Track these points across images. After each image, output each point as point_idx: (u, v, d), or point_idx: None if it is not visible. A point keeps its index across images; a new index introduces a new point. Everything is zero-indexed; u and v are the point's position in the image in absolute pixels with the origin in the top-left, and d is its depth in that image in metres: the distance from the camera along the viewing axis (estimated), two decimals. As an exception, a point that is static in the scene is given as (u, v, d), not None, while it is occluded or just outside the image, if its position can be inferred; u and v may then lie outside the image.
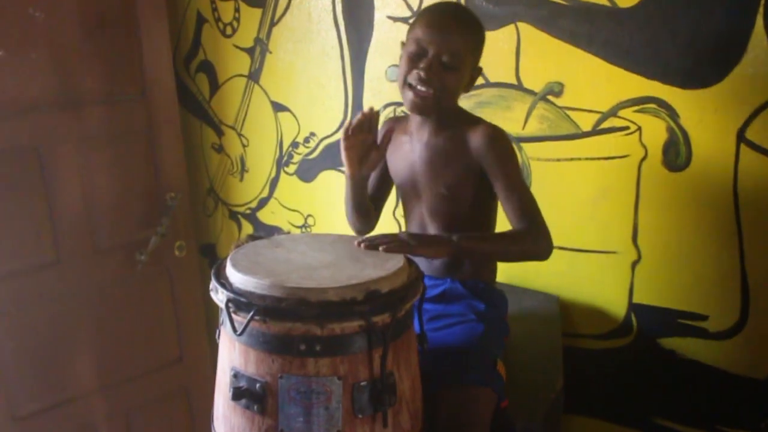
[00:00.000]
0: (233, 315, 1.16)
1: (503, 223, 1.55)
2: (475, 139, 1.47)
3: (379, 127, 1.58)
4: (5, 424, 2.29)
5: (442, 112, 1.51)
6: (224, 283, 1.21)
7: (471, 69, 1.50)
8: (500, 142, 1.48)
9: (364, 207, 1.66)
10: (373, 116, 1.49)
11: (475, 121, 1.53)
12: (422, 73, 1.43)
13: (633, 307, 1.82)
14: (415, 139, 1.58)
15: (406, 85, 1.47)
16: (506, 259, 1.60)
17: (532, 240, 1.45)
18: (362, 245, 1.33)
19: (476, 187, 1.52)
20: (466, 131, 1.50)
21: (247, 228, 2.71)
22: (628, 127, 1.72)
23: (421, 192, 1.59)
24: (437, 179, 1.54)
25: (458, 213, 1.56)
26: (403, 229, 2.11)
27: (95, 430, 2.53)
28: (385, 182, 1.74)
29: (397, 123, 1.66)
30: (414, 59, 1.45)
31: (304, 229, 2.51)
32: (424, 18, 1.48)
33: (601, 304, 1.87)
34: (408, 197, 1.65)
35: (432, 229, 1.60)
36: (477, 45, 1.51)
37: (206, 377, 2.82)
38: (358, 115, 1.49)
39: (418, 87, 1.44)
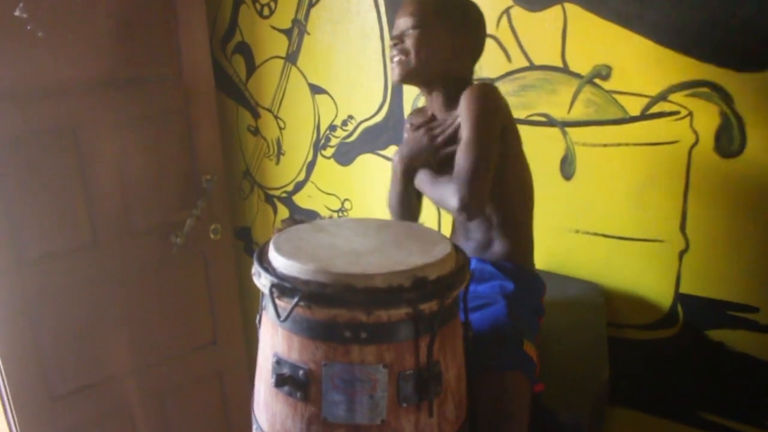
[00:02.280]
0: (277, 300, 1.14)
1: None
2: (461, 100, 1.49)
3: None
4: (43, 403, 2.31)
5: (440, 83, 1.57)
6: (267, 268, 1.18)
7: (447, 34, 1.53)
8: (476, 97, 1.47)
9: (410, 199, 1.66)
10: None
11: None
12: (391, 43, 1.55)
13: (679, 298, 1.77)
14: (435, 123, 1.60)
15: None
16: (431, 197, 1.55)
17: (451, 193, 1.41)
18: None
19: None
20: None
21: (283, 212, 2.69)
22: (678, 112, 1.66)
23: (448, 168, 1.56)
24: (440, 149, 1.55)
25: None
26: (442, 215, 2.09)
27: (130, 411, 2.55)
28: None
29: (417, 113, 1.74)
30: (391, 41, 1.57)
31: (341, 213, 2.48)
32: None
33: (646, 294, 1.82)
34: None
35: None
36: (444, 10, 1.54)
37: (240, 360, 2.84)
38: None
39: (391, 57, 1.56)
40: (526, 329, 1.49)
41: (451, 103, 1.57)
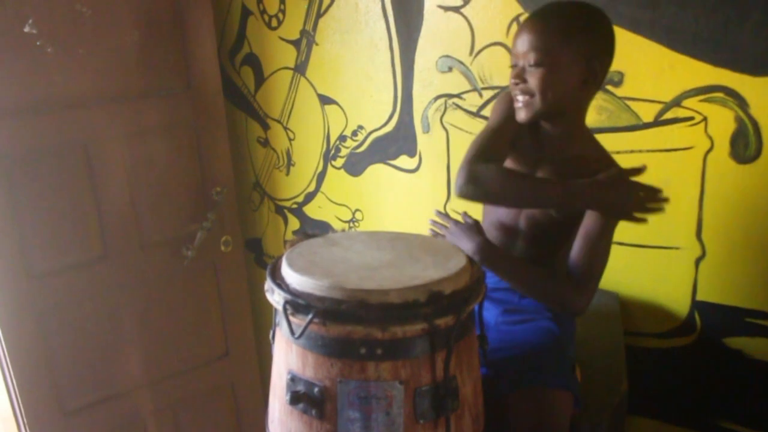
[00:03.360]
0: (291, 317, 1.12)
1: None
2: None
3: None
4: (55, 419, 2.31)
5: (558, 124, 1.43)
6: (281, 284, 1.17)
7: (573, 63, 1.34)
8: (620, 198, 1.35)
9: None
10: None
11: (600, 148, 1.43)
12: (512, 80, 1.38)
13: (696, 305, 1.75)
14: (540, 145, 1.48)
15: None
16: (531, 293, 1.46)
17: (570, 300, 1.39)
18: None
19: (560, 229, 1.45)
20: (593, 162, 1.40)
21: (294, 223, 2.68)
22: (692, 118, 1.64)
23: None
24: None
25: (530, 237, 1.50)
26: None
27: (143, 425, 2.54)
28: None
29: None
30: (512, 74, 1.39)
31: (352, 224, 2.47)
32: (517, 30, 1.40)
33: (662, 302, 1.81)
34: None
35: (519, 234, 1.53)
36: (573, 34, 1.34)
37: (252, 372, 2.83)
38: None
39: (515, 96, 1.39)
40: (572, 350, 1.47)
41: (572, 138, 1.44)
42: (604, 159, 1.42)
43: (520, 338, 1.40)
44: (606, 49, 1.39)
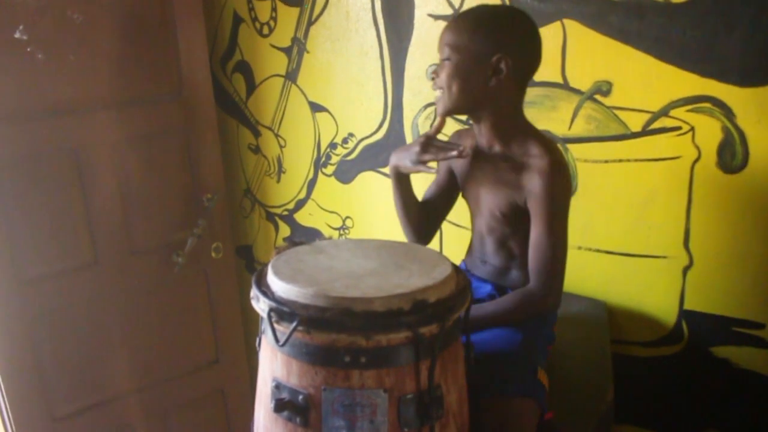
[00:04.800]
0: (275, 325, 1.12)
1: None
2: (531, 175, 1.42)
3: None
4: (45, 424, 2.31)
5: (487, 114, 1.47)
6: (266, 292, 1.17)
7: (478, 59, 1.40)
8: (556, 186, 1.40)
9: (414, 206, 1.66)
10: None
11: (536, 142, 1.45)
12: (431, 76, 1.48)
13: (684, 314, 1.76)
14: (481, 153, 1.54)
15: None
16: (509, 324, 1.48)
17: (540, 302, 1.43)
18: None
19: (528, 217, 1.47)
20: (525, 156, 1.44)
21: (284, 230, 2.68)
22: (680, 128, 1.65)
23: (481, 205, 1.56)
24: (492, 198, 1.51)
25: (511, 233, 1.53)
26: (443, 232, 2.08)
27: (132, 431, 2.53)
28: (445, 191, 1.70)
29: (464, 134, 1.63)
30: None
31: (342, 231, 2.47)
32: None
33: (650, 311, 1.81)
34: (470, 208, 1.63)
35: (488, 244, 1.58)
36: (480, 31, 1.41)
37: (242, 378, 2.83)
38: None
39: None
40: (539, 356, 1.47)
41: (500, 135, 1.48)
42: (540, 154, 1.43)
43: (485, 348, 1.40)
44: (519, 47, 1.42)
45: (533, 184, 1.41)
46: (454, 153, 1.45)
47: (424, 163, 1.50)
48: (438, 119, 1.51)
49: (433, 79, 1.47)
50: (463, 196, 1.65)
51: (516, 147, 1.46)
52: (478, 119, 1.50)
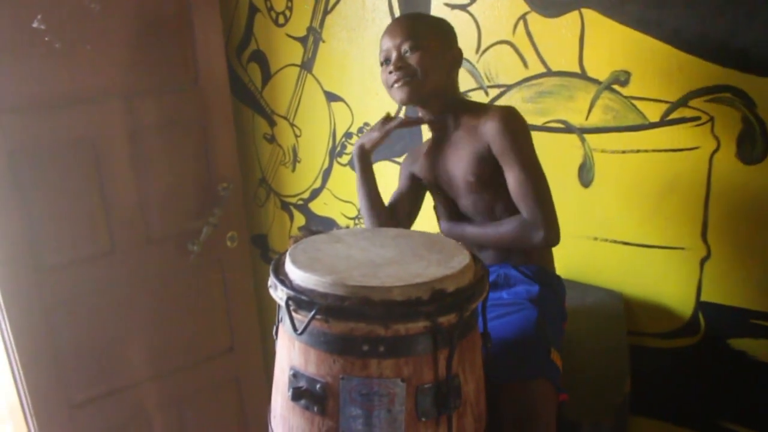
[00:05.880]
0: (293, 313, 1.13)
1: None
2: (485, 125, 1.51)
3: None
4: (62, 411, 2.33)
5: (441, 102, 1.60)
6: (284, 280, 1.17)
7: (442, 51, 1.57)
8: (510, 124, 1.49)
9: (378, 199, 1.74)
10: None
11: (487, 107, 1.58)
12: (391, 68, 1.55)
13: (701, 306, 1.75)
14: (436, 141, 1.67)
15: (390, 88, 1.59)
16: (500, 245, 1.59)
17: (532, 227, 1.48)
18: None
19: (500, 171, 1.53)
20: (478, 117, 1.54)
21: (299, 219, 2.69)
22: (699, 118, 1.64)
23: (457, 182, 1.61)
24: (462, 166, 1.57)
25: (493, 197, 1.57)
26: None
27: (148, 418, 2.56)
28: (409, 192, 1.78)
29: (415, 150, 1.79)
30: (385, 66, 1.59)
31: (357, 221, 2.47)
32: (383, 33, 1.60)
33: (666, 302, 1.80)
34: (452, 197, 1.67)
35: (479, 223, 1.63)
36: (435, 29, 1.59)
37: (257, 367, 2.84)
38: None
39: (394, 80, 1.55)
40: (553, 336, 1.47)
41: (453, 114, 1.62)
42: (487, 108, 1.56)
43: (503, 333, 1.41)
44: (455, 47, 1.61)
45: (491, 131, 1.49)
46: (415, 119, 1.66)
47: (388, 131, 1.65)
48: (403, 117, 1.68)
49: (399, 67, 1.53)
50: (440, 190, 1.68)
51: (467, 118, 1.58)
52: (433, 106, 1.62)
